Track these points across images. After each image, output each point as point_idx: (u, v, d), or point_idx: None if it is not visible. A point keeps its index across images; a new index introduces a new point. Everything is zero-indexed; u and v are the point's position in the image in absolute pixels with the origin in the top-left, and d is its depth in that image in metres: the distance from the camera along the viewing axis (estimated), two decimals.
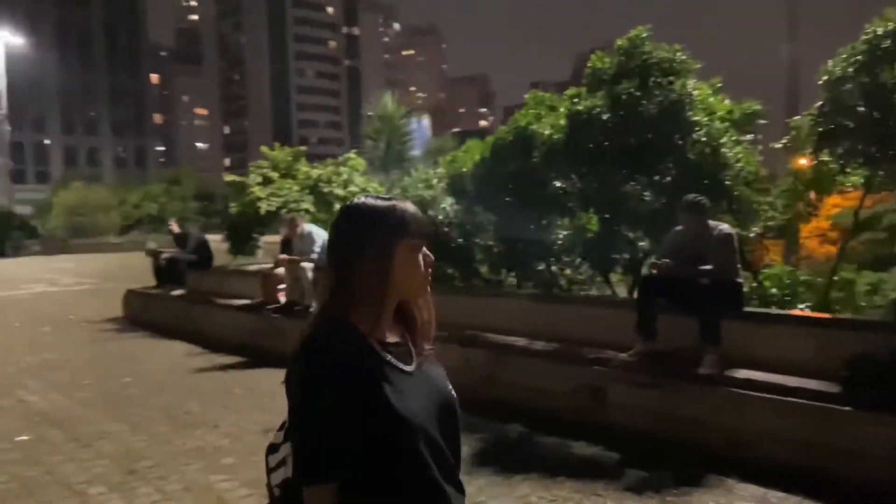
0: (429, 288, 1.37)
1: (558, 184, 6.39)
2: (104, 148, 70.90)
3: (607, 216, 6.42)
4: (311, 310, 7.49)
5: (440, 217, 7.26)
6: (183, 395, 6.17)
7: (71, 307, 12.32)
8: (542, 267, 7.51)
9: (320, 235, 7.66)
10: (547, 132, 5.99)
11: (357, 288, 1.29)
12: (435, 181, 7.71)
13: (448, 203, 7.36)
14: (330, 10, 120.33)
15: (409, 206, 1.35)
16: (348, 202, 1.40)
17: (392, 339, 1.35)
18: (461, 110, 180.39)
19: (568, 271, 7.72)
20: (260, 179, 9.93)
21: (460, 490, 1.34)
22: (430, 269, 1.34)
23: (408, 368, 1.32)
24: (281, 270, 7.94)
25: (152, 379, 6.74)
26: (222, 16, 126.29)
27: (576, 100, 5.91)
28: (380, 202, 1.34)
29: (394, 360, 1.30)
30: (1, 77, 34.78)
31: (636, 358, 4.82)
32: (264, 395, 6.09)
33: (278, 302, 7.91)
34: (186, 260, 9.83)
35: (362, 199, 1.37)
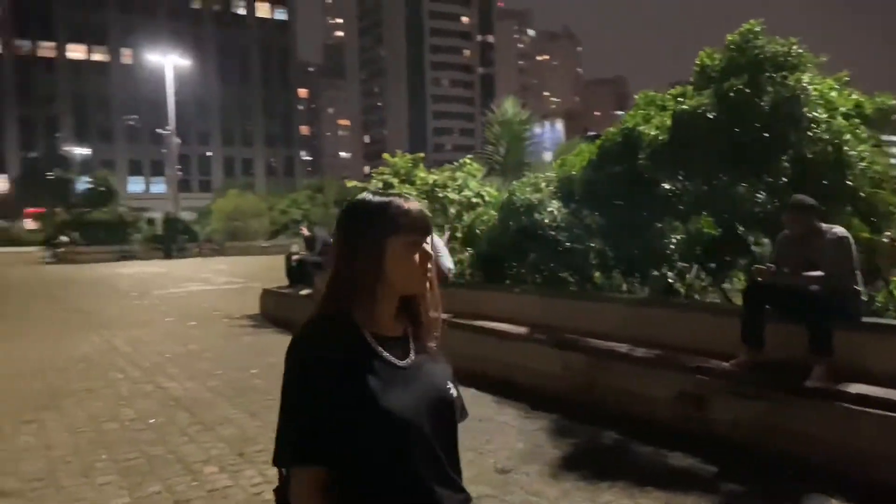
0: (429, 284, 1.37)
1: (667, 185, 6.18)
2: (258, 158, 76.58)
3: (724, 218, 6.12)
4: None
5: (546, 220, 7.24)
6: None
7: (217, 304, 13.49)
8: (657, 272, 7.29)
9: (434, 238, 7.89)
10: (653, 133, 5.82)
11: (351, 281, 1.32)
12: (543, 185, 7.70)
13: (555, 206, 7.32)
14: (465, 19, 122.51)
15: (406, 204, 1.36)
16: (350, 200, 1.43)
17: (394, 332, 1.36)
18: (596, 113, 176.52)
19: (689, 276, 7.43)
20: (380, 185, 10.39)
21: (454, 488, 1.34)
22: (426, 266, 1.34)
23: (401, 363, 1.33)
24: None
25: (275, 371, 7.21)
26: (364, 31, 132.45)
27: (681, 98, 5.70)
28: (376, 199, 1.37)
29: (385, 354, 1.31)
30: (170, 96, 38.59)
31: (740, 368, 4.58)
32: None
33: None
34: (313, 261, 10.47)
35: (362, 197, 1.40)
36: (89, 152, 60.65)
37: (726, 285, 6.86)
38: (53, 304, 14.45)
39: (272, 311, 11.11)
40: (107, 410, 5.87)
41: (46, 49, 66.21)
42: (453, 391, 1.40)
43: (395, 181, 10.45)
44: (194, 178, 70.50)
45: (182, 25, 69.46)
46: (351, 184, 12.29)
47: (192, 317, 11.77)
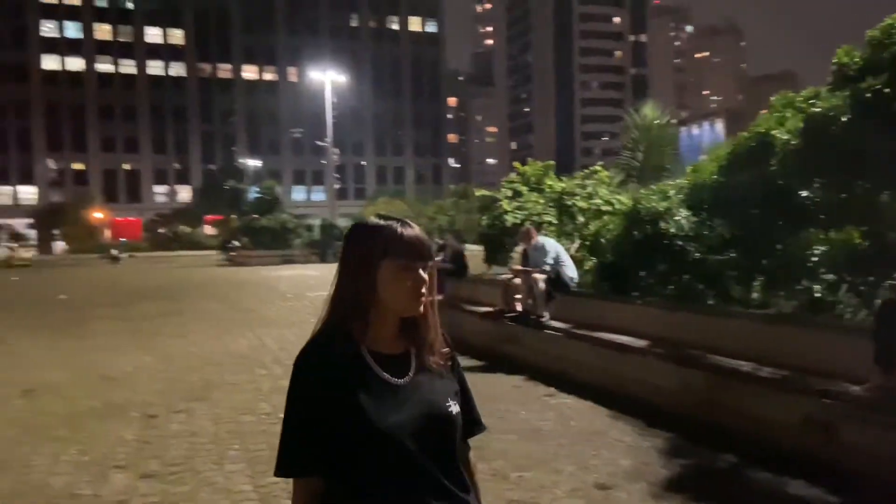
0: (423, 306, 1.39)
1: (804, 193, 5.74)
2: (408, 167, 79.55)
3: (871, 229, 5.60)
4: (543, 319, 7.74)
5: (672, 230, 6.97)
6: None
7: None
8: (800, 286, 6.77)
9: (553, 247, 7.87)
10: (784, 137, 5.44)
11: (349, 300, 1.38)
12: (672, 192, 7.40)
13: (683, 215, 7.02)
14: (616, 19, 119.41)
15: (401, 229, 1.38)
16: (355, 221, 1.51)
17: (394, 350, 1.41)
18: (763, 112, 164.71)
19: (841, 292, 6.83)
20: (510, 193, 10.49)
21: (453, 499, 1.35)
22: (419, 290, 1.37)
23: (395, 381, 1.36)
24: (519, 280, 8.31)
25: None
26: (513, 38, 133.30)
27: (813, 101, 5.27)
28: (372, 223, 1.42)
29: (378, 371, 1.36)
30: (328, 111, 41.23)
31: (873, 393, 4.17)
32: (488, 398, 6.47)
33: (515, 311, 8.29)
34: (444, 269, 10.77)
35: (363, 220, 1.46)
36: (260, 164, 66.19)
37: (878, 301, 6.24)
38: (222, 303, 15.97)
39: None
40: (247, 403, 6.44)
41: (224, 71, 73.22)
42: (452, 408, 1.41)
43: (524, 189, 10.50)
44: (350, 187, 74.55)
45: (341, 43, 73.90)
46: (479, 192, 12.51)
47: None
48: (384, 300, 1.38)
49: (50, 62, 67.43)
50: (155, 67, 70.88)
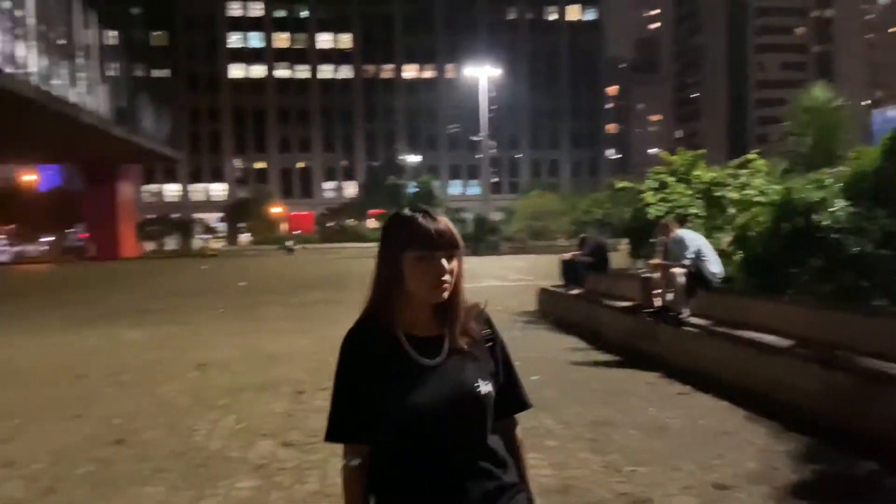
0: (446, 292, 1.47)
1: None
2: (563, 159, 78.63)
3: None
4: (682, 316, 7.47)
5: (826, 222, 6.42)
6: (547, 381, 6.89)
7: (502, 299, 14.42)
8: None
9: (693, 241, 7.54)
10: None
11: (382, 288, 1.52)
12: (829, 181, 6.80)
13: (840, 206, 6.45)
14: None
15: (422, 220, 1.47)
16: (392, 214, 1.58)
17: (428, 333, 1.51)
18: None
19: None
20: (656, 185, 10.14)
21: (487, 476, 1.46)
22: (438, 279, 1.45)
23: (427, 362, 1.47)
24: (657, 275, 8.07)
25: (530, 364, 7.66)
26: (680, 20, 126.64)
27: None
28: (403, 216, 1.51)
29: (411, 352, 1.47)
30: (483, 105, 41.82)
31: None
32: (617, 393, 6.40)
33: (653, 306, 8.05)
34: (583, 262, 10.67)
35: (400, 212, 1.54)
36: (419, 159, 68.71)
37: None
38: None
39: (547, 309, 11.59)
40: None
41: (387, 71, 76.77)
42: (482, 388, 1.48)
43: (670, 180, 10.11)
44: (505, 180, 75.14)
45: (499, 37, 74.58)
46: (621, 184, 12.17)
47: None
48: (408, 288, 1.48)
49: (236, 71, 74.54)
50: (325, 71, 75.89)
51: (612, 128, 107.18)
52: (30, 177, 59.87)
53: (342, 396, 1.51)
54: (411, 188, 54.79)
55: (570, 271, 11.07)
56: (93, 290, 21.35)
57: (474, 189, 71.67)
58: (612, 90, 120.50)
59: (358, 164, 75.69)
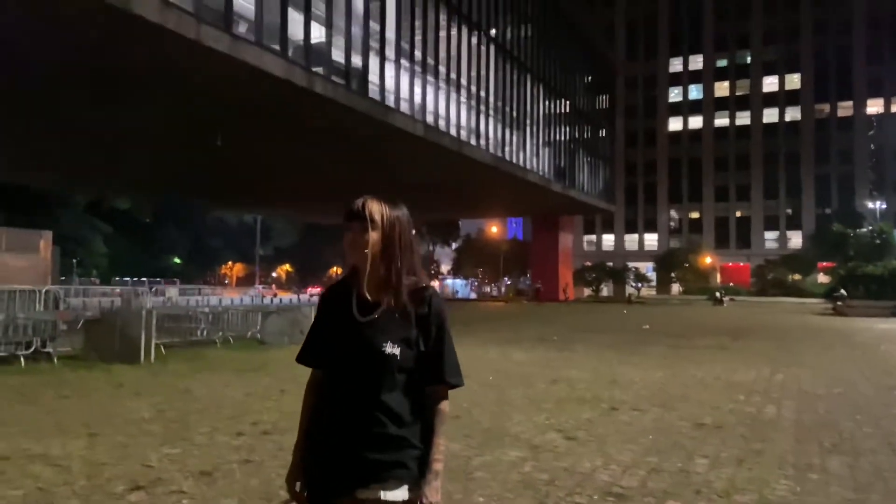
0: (358, 257, 1.80)
1: None
2: None
3: None
4: None
5: None
6: None
7: None
8: None
9: None
10: None
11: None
12: None
13: None
14: None
15: (358, 201, 1.82)
16: None
17: (373, 297, 1.81)
18: None
19: None
20: None
21: (377, 424, 1.72)
22: (349, 244, 1.80)
23: (360, 318, 1.78)
24: None
25: None
26: None
27: None
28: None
29: (354, 308, 1.79)
30: None
31: None
32: None
33: None
34: None
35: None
36: (883, 206, 59.13)
37: None
38: (775, 345, 15.89)
39: None
40: (693, 413, 7.14)
41: (844, 108, 68.41)
42: (387, 348, 1.75)
43: None
44: None
45: None
46: None
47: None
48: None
49: (674, 124, 76.04)
50: (770, 115, 71.66)
51: None
52: (493, 228, 71.41)
53: (311, 331, 1.92)
54: (867, 237, 47.58)
55: None
56: (516, 322, 24.88)
57: None
58: None
59: (805, 212, 68.79)
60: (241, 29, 16.84)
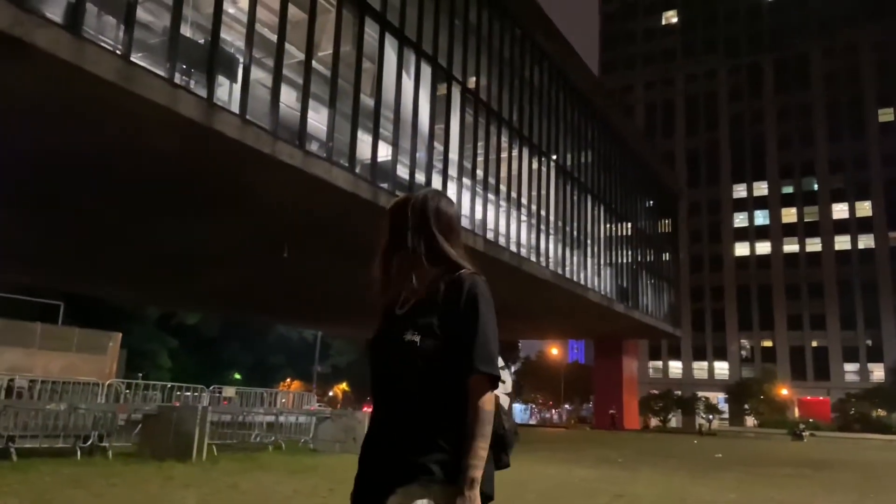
0: (388, 258, 1.80)
1: None
2: None
3: None
4: None
5: None
6: None
7: None
8: None
9: None
10: None
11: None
12: None
13: None
14: None
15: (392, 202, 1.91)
16: None
17: (413, 297, 1.74)
18: None
19: None
20: None
21: (388, 429, 1.67)
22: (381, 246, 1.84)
23: (398, 311, 1.75)
24: None
25: None
26: None
27: None
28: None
29: (396, 307, 1.76)
30: None
31: None
32: None
33: None
34: None
35: None
36: None
37: None
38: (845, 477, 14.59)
39: None
40: None
41: None
42: (408, 336, 1.66)
43: None
44: None
45: None
46: None
47: None
48: None
49: (741, 249, 74.73)
50: (841, 242, 69.75)
51: None
52: (554, 350, 69.84)
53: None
54: None
55: None
56: (577, 445, 23.69)
57: None
58: None
59: (886, 343, 64.91)
60: (313, 147, 17.88)
